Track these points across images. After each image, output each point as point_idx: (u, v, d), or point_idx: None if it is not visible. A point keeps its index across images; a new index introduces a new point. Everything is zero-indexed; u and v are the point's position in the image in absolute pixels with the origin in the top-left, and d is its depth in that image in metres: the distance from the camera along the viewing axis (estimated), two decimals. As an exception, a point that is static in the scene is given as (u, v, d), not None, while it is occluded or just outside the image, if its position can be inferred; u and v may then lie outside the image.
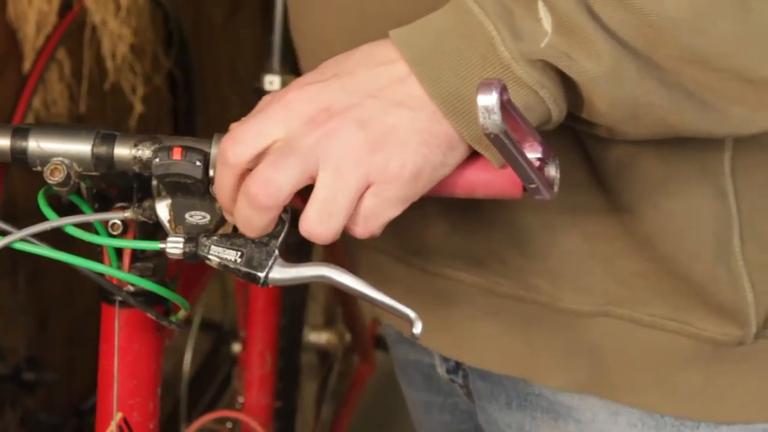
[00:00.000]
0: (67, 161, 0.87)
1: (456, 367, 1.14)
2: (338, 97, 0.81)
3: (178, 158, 0.84)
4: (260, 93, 1.63)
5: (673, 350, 0.98)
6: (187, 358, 2.02)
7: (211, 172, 0.85)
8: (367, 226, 0.82)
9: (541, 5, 0.80)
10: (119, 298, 0.96)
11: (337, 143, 0.80)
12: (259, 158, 0.81)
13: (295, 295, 1.84)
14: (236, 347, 1.82)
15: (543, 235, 0.97)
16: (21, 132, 0.87)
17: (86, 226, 0.90)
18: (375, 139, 0.80)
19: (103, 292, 0.96)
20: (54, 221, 0.88)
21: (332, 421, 2.12)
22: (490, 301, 1.01)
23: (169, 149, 0.84)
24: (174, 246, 0.86)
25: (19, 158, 0.87)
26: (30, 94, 1.83)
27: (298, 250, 1.14)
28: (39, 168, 0.87)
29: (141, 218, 0.89)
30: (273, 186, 0.80)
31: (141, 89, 2.15)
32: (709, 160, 0.92)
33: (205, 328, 2.16)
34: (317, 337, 2.00)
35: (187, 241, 0.86)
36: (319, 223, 0.80)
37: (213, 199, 0.86)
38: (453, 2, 0.82)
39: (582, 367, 1.00)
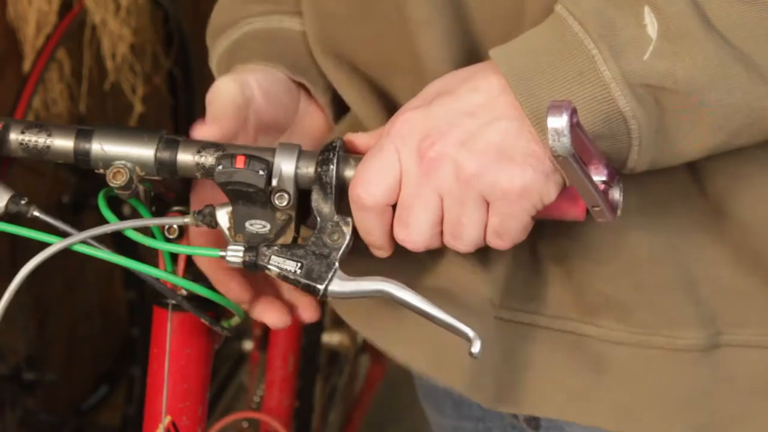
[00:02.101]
0: (129, 165, 0.86)
1: None
2: (438, 122, 0.82)
3: (241, 166, 0.84)
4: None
5: None
6: (188, 358, 2.01)
7: (273, 182, 0.85)
8: (503, 240, 0.84)
9: (647, 11, 0.79)
10: (172, 302, 0.96)
11: (443, 172, 0.82)
12: (392, 192, 0.84)
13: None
14: (247, 345, 1.81)
15: (652, 265, 0.92)
16: (84, 134, 0.87)
17: (144, 230, 0.91)
18: (478, 158, 0.81)
19: (155, 296, 0.96)
20: (115, 224, 0.88)
21: (344, 422, 2.10)
22: (601, 350, 0.95)
23: (233, 157, 0.84)
24: (234, 255, 0.86)
25: (82, 160, 0.87)
26: (30, 94, 1.82)
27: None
28: (101, 170, 0.87)
29: (201, 224, 0.88)
30: (413, 242, 0.84)
31: (141, 89, 2.15)
32: None
33: (205, 328, 2.15)
34: (329, 337, 1.98)
35: (248, 250, 0.86)
36: (452, 239, 0.84)
37: (274, 209, 0.86)
38: (552, 18, 0.82)
39: (701, 407, 0.94)
